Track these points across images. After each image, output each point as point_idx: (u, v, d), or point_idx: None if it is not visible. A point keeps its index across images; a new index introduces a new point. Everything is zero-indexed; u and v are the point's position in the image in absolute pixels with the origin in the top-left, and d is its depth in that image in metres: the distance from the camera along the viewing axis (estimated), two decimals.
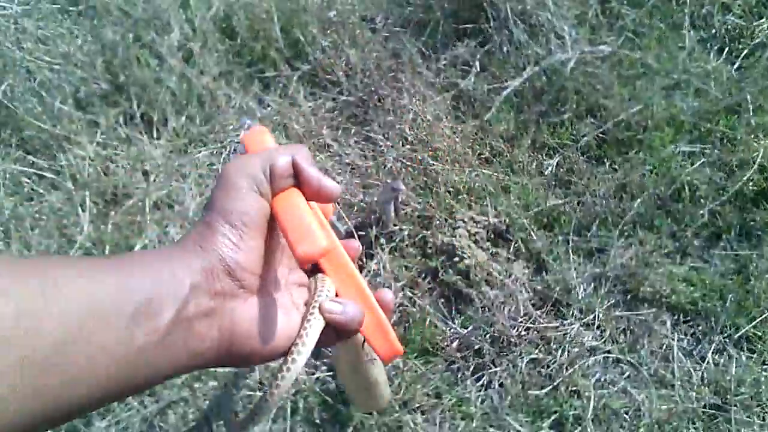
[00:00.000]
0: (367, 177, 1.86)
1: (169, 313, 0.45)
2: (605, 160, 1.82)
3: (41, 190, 1.91)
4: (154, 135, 2.03)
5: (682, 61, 1.99)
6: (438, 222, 1.69)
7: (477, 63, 2.07)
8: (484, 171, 1.80)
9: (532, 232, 1.67)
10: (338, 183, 1.07)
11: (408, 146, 1.87)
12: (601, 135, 1.86)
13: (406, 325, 1.60)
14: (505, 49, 2.10)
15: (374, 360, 1.01)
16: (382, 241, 1.69)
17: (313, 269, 0.60)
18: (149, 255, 0.49)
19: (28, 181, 1.94)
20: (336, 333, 0.55)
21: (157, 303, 0.45)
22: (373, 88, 2.03)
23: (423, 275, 1.66)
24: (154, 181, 1.91)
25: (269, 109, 2.08)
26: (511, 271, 1.62)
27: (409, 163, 1.82)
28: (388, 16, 2.23)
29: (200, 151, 2.01)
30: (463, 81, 2.04)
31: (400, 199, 1.70)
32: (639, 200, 1.67)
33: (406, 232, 1.70)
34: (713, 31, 2.10)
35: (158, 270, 0.47)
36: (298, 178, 0.53)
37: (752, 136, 1.74)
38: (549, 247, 1.66)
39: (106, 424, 1.55)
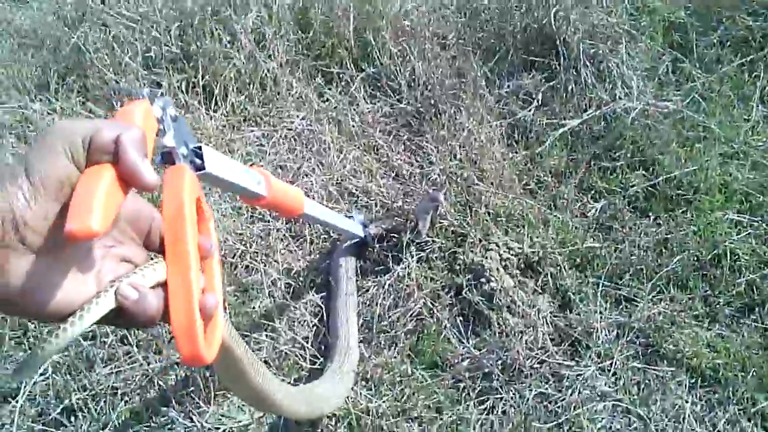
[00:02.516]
0: (410, 185, 1.86)
1: None
2: (650, 214, 1.80)
3: None
4: (212, 107, 2.07)
5: (744, 133, 1.97)
6: (472, 241, 1.69)
7: (540, 96, 2.07)
8: (527, 201, 1.80)
9: (563, 269, 1.66)
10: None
11: (456, 162, 1.87)
12: (650, 188, 1.84)
13: (420, 335, 1.59)
14: (570, 87, 2.10)
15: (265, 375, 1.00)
16: (413, 249, 1.69)
17: (161, 253, 0.59)
18: None
19: None
20: (129, 318, 0.55)
21: None
22: (432, 102, 2.05)
23: (446, 289, 1.65)
24: None
25: (327, 103, 2.11)
26: (536, 303, 1.60)
27: (454, 179, 1.83)
28: (460, 36, 2.26)
29: (252, 131, 2.04)
30: (522, 111, 2.04)
31: (438, 211, 1.71)
32: (678, 258, 1.64)
33: (438, 245, 1.70)
34: None
35: None
36: (117, 158, 0.51)
37: None
38: (578, 287, 1.64)
39: (108, 371, 1.56)
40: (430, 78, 2.10)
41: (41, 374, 1.55)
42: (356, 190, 1.87)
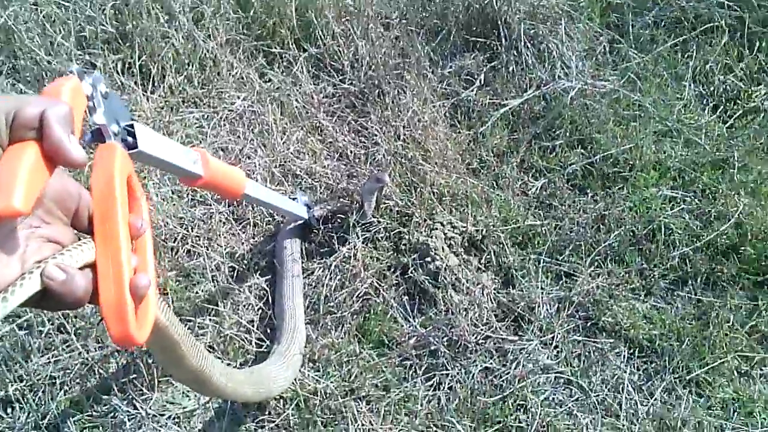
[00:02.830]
0: (355, 166, 1.86)
1: None
2: (588, 191, 1.84)
3: None
4: (149, 89, 2.02)
5: (677, 111, 2.03)
6: (417, 220, 1.70)
7: (482, 76, 2.09)
8: (470, 180, 1.82)
9: (506, 247, 1.69)
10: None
11: (401, 143, 1.88)
12: (588, 166, 1.88)
13: (367, 315, 1.60)
14: (511, 68, 2.12)
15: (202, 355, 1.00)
16: (358, 230, 1.70)
17: (89, 233, 0.58)
18: None
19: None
20: (57, 300, 0.53)
21: None
22: (376, 82, 2.04)
23: (392, 269, 1.67)
24: None
25: (269, 83, 2.09)
26: (480, 280, 1.63)
27: (399, 159, 1.83)
28: (403, 16, 2.25)
29: (191, 112, 2.00)
30: (465, 91, 2.06)
31: (383, 192, 1.71)
32: (615, 234, 1.69)
33: (383, 225, 1.71)
34: (712, 88, 2.14)
35: None
36: (42, 134, 0.50)
37: (733, 193, 1.78)
38: (520, 264, 1.67)
39: (45, 361, 1.53)
40: (374, 58, 2.09)
41: None
42: (300, 171, 1.86)
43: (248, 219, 1.77)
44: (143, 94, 1.97)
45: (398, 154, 1.86)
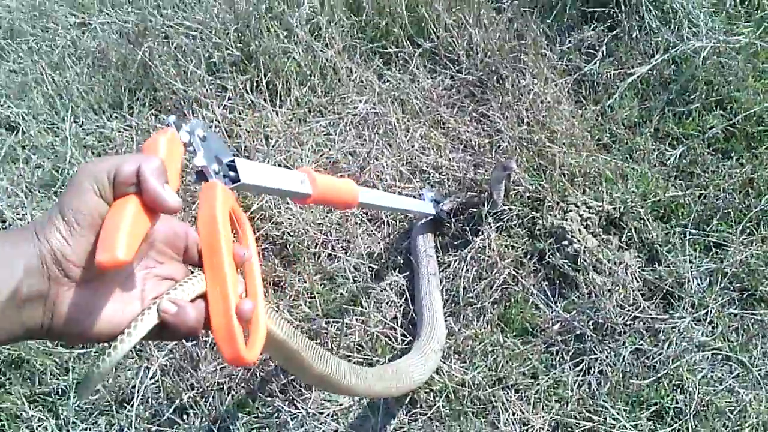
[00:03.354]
0: (481, 155, 1.86)
1: (4, 293, 0.51)
2: (732, 154, 1.73)
3: None
4: (277, 103, 2.11)
5: None
6: (549, 204, 1.67)
7: (604, 47, 2.01)
8: (602, 156, 1.76)
9: (647, 222, 1.62)
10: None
11: (525, 127, 1.85)
12: (729, 128, 1.77)
13: (507, 303, 1.60)
14: (634, 34, 2.03)
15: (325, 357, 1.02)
16: (490, 219, 1.69)
17: (200, 266, 0.64)
18: None
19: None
20: (172, 331, 0.60)
21: None
22: (493, 68, 2.02)
23: (529, 256, 1.65)
24: (274, 146, 1.99)
25: (388, 84, 2.12)
26: (622, 260, 1.58)
27: (524, 144, 1.81)
28: None
29: (318, 121, 2.07)
30: (587, 65, 1.99)
31: (511, 179, 1.70)
32: (766, 197, 1.58)
33: (515, 212, 1.69)
34: None
35: None
36: (140, 187, 0.56)
37: None
38: (664, 238, 1.60)
39: (212, 369, 1.64)
40: (489, 44, 2.07)
41: (151, 377, 1.64)
42: (427, 167, 1.88)
43: (382, 219, 1.81)
44: (272, 110, 2.07)
45: (523, 138, 1.83)
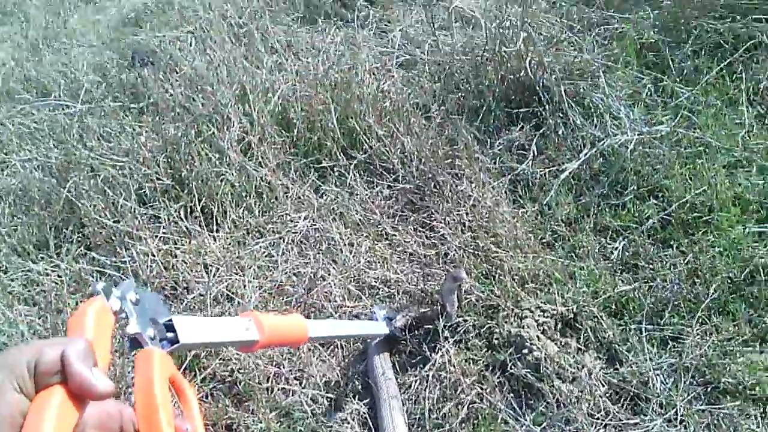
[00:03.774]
0: (428, 265, 1.84)
1: None
2: (672, 243, 1.77)
3: None
4: (214, 228, 2.06)
5: (741, 139, 1.96)
6: (504, 312, 1.66)
7: (533, 146, 2.07)
8: (548, 257, 1.77)
9: (601, 320, 1.62)
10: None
11: (469, 233, 1.85)
12: (666, 217, 1.82)
13: (475, 421, 1.55)
14: (560, 131, 2.10)
15: None
16: (447, 333, 1.66)
17: None
18: None
19: (90, 278, 1.96)
20: None
21: None
22: (430, 175, 2.04)
23: (491, 368, 1.61)
24: (214, 274, 1.92)
25: (325, 198, 2.10)
26: (583, 363, 1.57)
27: (471, 250, 1.81)
28: (441, 103, 2.26)
29: (258, 243, 2.02)
30: (520, 165, 2.04)
31: (463, 288, 1.68)
32: (713, 285, 1.61)
33: (470, 323, 1.67)
34: None
35: None
36: (65, 375, 0.51)
37: None
38: (621, 336, 1.60)
39: None
40: (422, 151, 2.10)
41: None
42: (375, 281, 1.85)
43: (334, 342, 1.75)
44: (210, 234, 2.01)
45: (468, 245, 1.83)
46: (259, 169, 2.13)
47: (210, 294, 1.85)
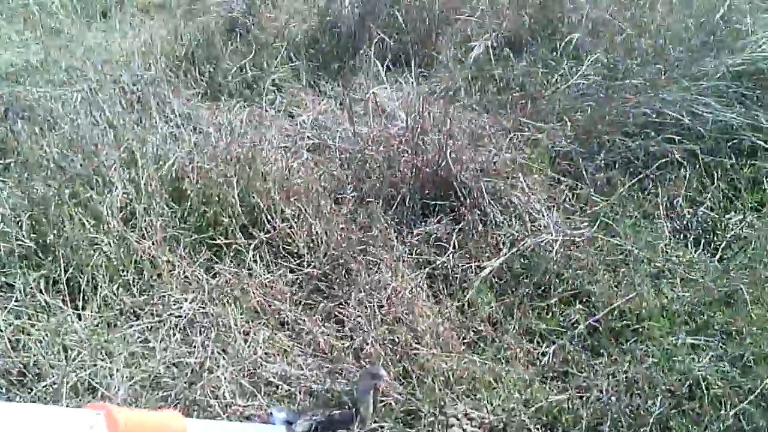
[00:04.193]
0: (337, 361, 1.59)
1: None
2: (602, 351, 1.64)
3: None
4: (80, 305, 1.72)
5: (661, 250, 1.92)
6: (428, 418, 1.43)
7: (453, 240, 1.92)
8: (472, 357, 1.58)
9: None
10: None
11: (385, 326, 1.64)
12: (593, 323, 1.70)
13: None
14: (479, 228, 1.98)
15: None
16: None
17: None
18: None
19: None
20: None
21: None
22: (340, 261, 1.83)
23: None
24: (75, 359, 1.57)
25: (219, 279, 1.83)
26: None
27: (388, 346, 1.58)
28: (354, 189, 2.10)
29: (132, 326, 1.70)
30: (439, 258, 1.88)
31: (379, 388, 1.45)
32: (652, 400, 1.47)
33: (387, 431, 1.42)
34: (685, 222, 2.06)
35: None
36: None
37: (757, 329, 1.62)
38: None
39: None
40: (332, 236, 1.89)
41: None
42: (273, 377, 1.57)
43: None
44: (73, 312, 1.67)
45: (385, 339, 1.61)
46: (141, 240, 1.83)
47: (67, 382, 1.49)
